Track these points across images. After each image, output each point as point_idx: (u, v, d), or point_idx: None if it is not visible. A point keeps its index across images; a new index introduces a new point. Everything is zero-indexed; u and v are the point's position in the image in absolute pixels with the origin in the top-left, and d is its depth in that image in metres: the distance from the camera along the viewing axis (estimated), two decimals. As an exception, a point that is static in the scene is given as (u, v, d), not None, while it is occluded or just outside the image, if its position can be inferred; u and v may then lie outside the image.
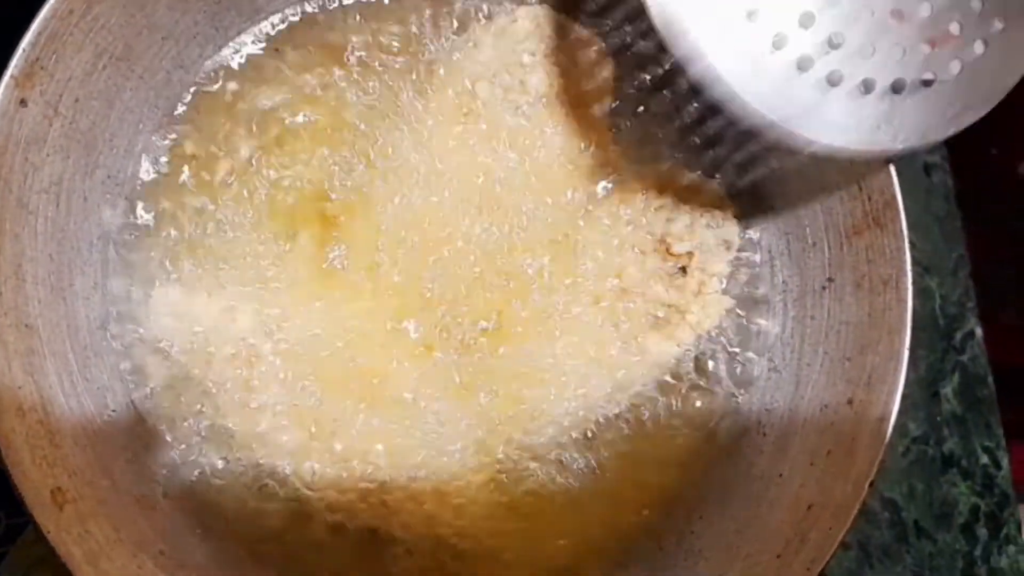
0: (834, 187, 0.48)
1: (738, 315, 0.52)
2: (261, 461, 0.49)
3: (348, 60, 0.53)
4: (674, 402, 0.52)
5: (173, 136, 0.51)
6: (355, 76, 0.53)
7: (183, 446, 0.48)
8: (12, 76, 0.42)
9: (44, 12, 0.43)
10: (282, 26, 0.53)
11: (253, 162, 0.51)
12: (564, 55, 0.54)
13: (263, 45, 0.52)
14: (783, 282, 0.52)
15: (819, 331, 0.49)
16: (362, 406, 0.50)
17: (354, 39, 0.53)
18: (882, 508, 0.67)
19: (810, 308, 0.50)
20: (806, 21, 0.41)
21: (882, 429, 0.44)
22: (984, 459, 0.69)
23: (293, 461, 0.49)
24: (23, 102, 0.43)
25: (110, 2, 0.45)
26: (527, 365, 0.51)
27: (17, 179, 0.43)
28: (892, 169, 0.45)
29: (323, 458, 0.49)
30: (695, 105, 0.54)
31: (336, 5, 0.54)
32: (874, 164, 0.46)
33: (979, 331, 0.71)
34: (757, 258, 0.53)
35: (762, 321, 0.52)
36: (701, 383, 0.52)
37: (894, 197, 0.45)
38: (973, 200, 0.74)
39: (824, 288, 0.49)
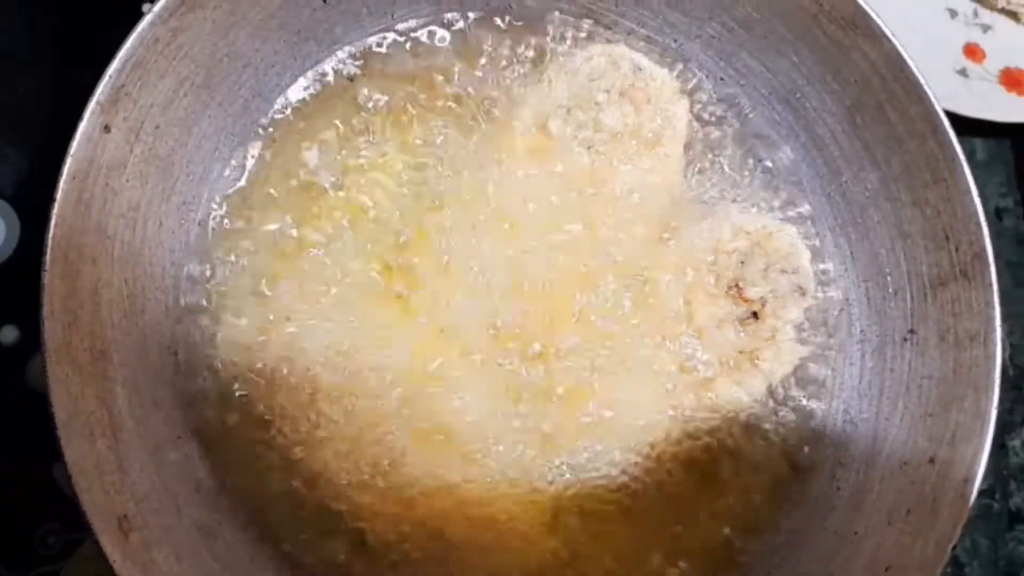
0: (918, 235, 0.47)
1: (813, 364, 0.51)
2: (323, 493, 0.48)
3: (420, 95, 0.53)
4: (743, 451, 0.50)
5: (247, 163, 0.51)
6: (427, 110, 0.53)
7: (246, 476, 0.48)
8: (98, 103, 0.42)
9: (131, 40, 0.43)
10: (358, 59, 0.53)
11: (324, 194, 0.51)
12: (639, 93, 0.53)
13: (338, 76, 0.52)
14: (861, 331, 0.50)
15: (899, 384, 0.47)
16: (426, 441, 0.49)
17: (428, 74, 0.53)
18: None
19: (890, 360, 0.48)
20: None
21: (967, 490, 0.42)
22: (1053, 515, 0.67)
23: (354, 494, 0.48)
24: (107, 128, 0.43)
25: (195, 31, 0.45)
26: (591, 405, 0.50)
27: (97, 204, 0.43)
28: (982, 218, 0.44)
29: (384, 492, 0.49)
30: (768, 147, 0.53)
31: (412, 40, 0.54)
32: (963, 213, 0.44)
33: (1050, 381, 0.69)
34: (834, 306, 0.51)
35: (838, 372, 0.50)
36: (771, 432, 0.51)
37: (983, 249, 0.44)
38: (1046, 247, 0.72)
39: (905, 340, 0.47)
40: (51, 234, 0.41)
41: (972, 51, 0.72)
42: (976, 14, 0.74)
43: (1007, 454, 0.67)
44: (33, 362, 0.55)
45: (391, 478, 0.49)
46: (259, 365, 0.49)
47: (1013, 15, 0.74)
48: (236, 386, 0.49)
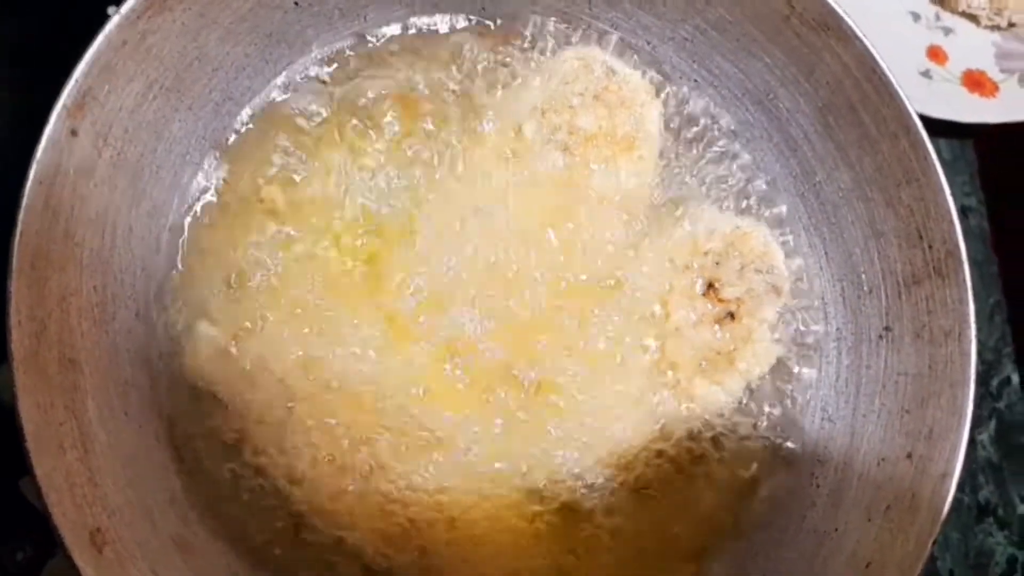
0: (892, 234, 0.47)
1: (789, 363, 0.51)
2: (299, 503, 0.47)
3: (393, 98, 0.53)
4: (722, 450, 0.50)
5: (219, 169, 0.50)
6: (400, 113, 0.52)
7: (221, 486, 0.47)
8: (64, 106, 0.41)
9: (98, 42, 0.42)
10: (330, 63, 0.52)
11: (297, 198, 0.50)
12: (613, 96, 0.53)
13: (311, 79, 0.52)
14: (837, 330, 0.51)
15: (876, 381, 0.47)
16: (403, 448, 0.48)
17: (400, 76, 0.53)
18: (916, 558, 0.65)
19: (866, 357, 0.48)
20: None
21: (945, 485, 0.43)
22: (1021, 508, 0.68)
23: (332, 502, 0.48)
24: (74, 132, 0.42)
25: (163, 33, 0.44)
26: (571, 407, 0.50)
27: (65, 210, 0.42)
28: (955, 217, 0.44)
29: (362, 501, 0.48)
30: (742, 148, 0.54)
31: (383, 42, 0.53)
32: (936, 212, 0.45)
33: (1016, 377, 0.70)
34: (809, 305, 0.52)
35: (815, 370, 0.51)
36: (750, 431, 0.51)
37: (957, 247, 0.44)
38: (1010, 245, 0.73)
39: (881, 337, 0.48)
40: (17, 241, 0.39)
41: (935, 53, 0.74)
42: (938, 17, 0.75)
43: (975, 448, 0.69)
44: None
45: (369, 486, 0.48)
46: (233, 373, 0.48)
47: (973, 18, 0.75)
48: (211, 395, 0.48)
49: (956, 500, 0.66)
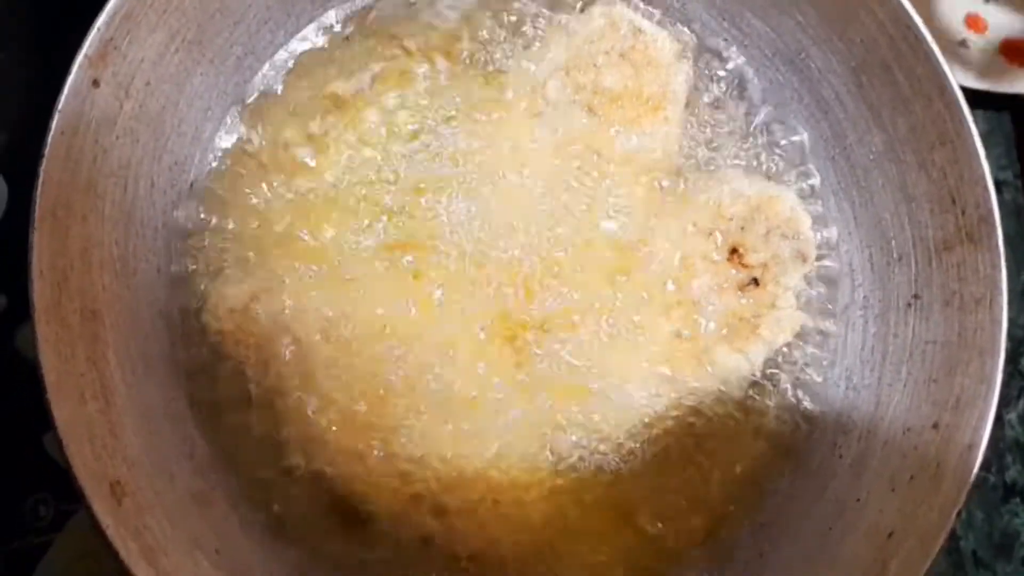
0: (923, 198, 0.46)
1: (815, 330, 0.50)
2: (317, 463, 0.47)
3: (416, 55, 0.52)
4: (744, 418, 0.50)
5: (240, 124, 0.50)
6: (423, 71, 0.52)
7: (239, 444, 0.47)
8: (86, 56, 0.41)
9: (120, -9, 0.42)
10: (353, 16, 0.52)
11: (318, 156, 0.50)
12: (639, 55, 0.52)
13: (333, 33, 0.51)
14: (864, 297, 0.49)
15: (903, 350, 0.46)
16: (422, 408, 0.48)
17: (424, 33, 0.52)
18: (938, 536, 0.64)
19: (893, 326, 0.47)
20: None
21: (971, 456, 0.42)
22: (1048, 488, 0.67)
23: (349, 466, 0.48)
24: (95, 82, 0.42)
25: (185, -17, 0.44)
26: (591, 372, 0.50)
27: (87, 161, 0.42)
28: (989, 182, 0.43)
29: (380, 462, 0.48)
30: (771, 110, 0.53)
31: (409, -1, 0.52)
32: (969, 176, 0.44)
33: (1047, 356, 0.69)
34: (836, 271, 0.51)
35: (840, 338, 0.50)
36: (773, 399, 0.50)
37: (991, 211, 0.43)
38: (1045, 220, 0.72)
39: (909, 305, 0.47)
40: (39, 191, 0.39)
41: (973, 22, 0.72)
42: (977, -16, 0.73)
43: (1003, 427, 0.67)
44: (22, 330, 0.54)
45: (386, 449, 0.48)
46: (253, 331, 0.48)
47: (1014, -14, 0.73)
48: (230, 353, 0.48)
49: (982, 479, 0.65)
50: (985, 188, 0.43)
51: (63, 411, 0.38)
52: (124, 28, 0.42)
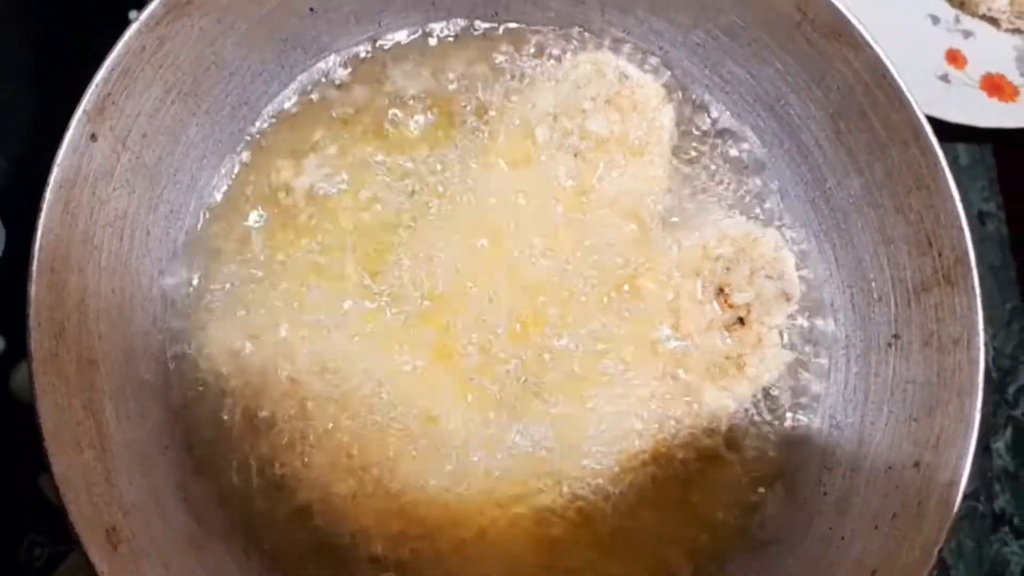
0: (901, 240, 0.47)
1: (798, 369, 0.51)
2: (312, 503, 0.48)
3: (408, 101, 0.53)
4: (730, 455, 0.50)
5: (235, 171, 0.51)
6: (413, 116, 0.53)
7: (235, 486, 0.48)
8: (84, 111, 0.42)
9: (118, 48, 0.43)
10: (345, 68, 0.53)
11: (311, 202, 0.51)
12: (625, 100, 0.53)
13: (326, 83, 0.53)
14: (846, 336, 0.50)
15: (884, 389, 0.47)
16: (414, 448, 0.49)
17: (413, 80, 0.53)
18: (930, 565, 0.65)
19: (875, 365, 0.48)
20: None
21: (951, 494, 0.42)
22: (1037, 517, 0.67)
23: (342, 502, 0.48)
24: (93, 136, 0.43)
25: (181, 39, 0.45)
26: (579, 411, 0.51)
27: (84, 213, 0.43)
28: (964, 223, 0.44)
29: (371, 499, 0.49)
30: (753, 153, 0.54)
31: (397, 45, 0.54)
32: (945, 219, 0.45)
33: (1033, 385, 0.70)
34: (820, 311, 0.52)
35: (824, 376, 0.51)
36: (758, 437, 0.51)
37: (966, 253, 0.44)
38: (1029, 250, 0.73)
39: (890, 345, 0.48)
40: (37, 244, 0.40)
41: (954, 57, 0.73)
42: (958, 20, 0.75)
43: (991, 456, 0.68)
44: (18, 371, 0.55)
45: (378, 488, 0.48)
46: (248, 374, 0.49)
47: (994, 21, 0.75)
48: (224, 395, 0.49)
49: (971, 508, 0.66)
50: (960, 230, 0.44)
51: (60, 460, 0.39)
52: (122, 83, 0.43)
